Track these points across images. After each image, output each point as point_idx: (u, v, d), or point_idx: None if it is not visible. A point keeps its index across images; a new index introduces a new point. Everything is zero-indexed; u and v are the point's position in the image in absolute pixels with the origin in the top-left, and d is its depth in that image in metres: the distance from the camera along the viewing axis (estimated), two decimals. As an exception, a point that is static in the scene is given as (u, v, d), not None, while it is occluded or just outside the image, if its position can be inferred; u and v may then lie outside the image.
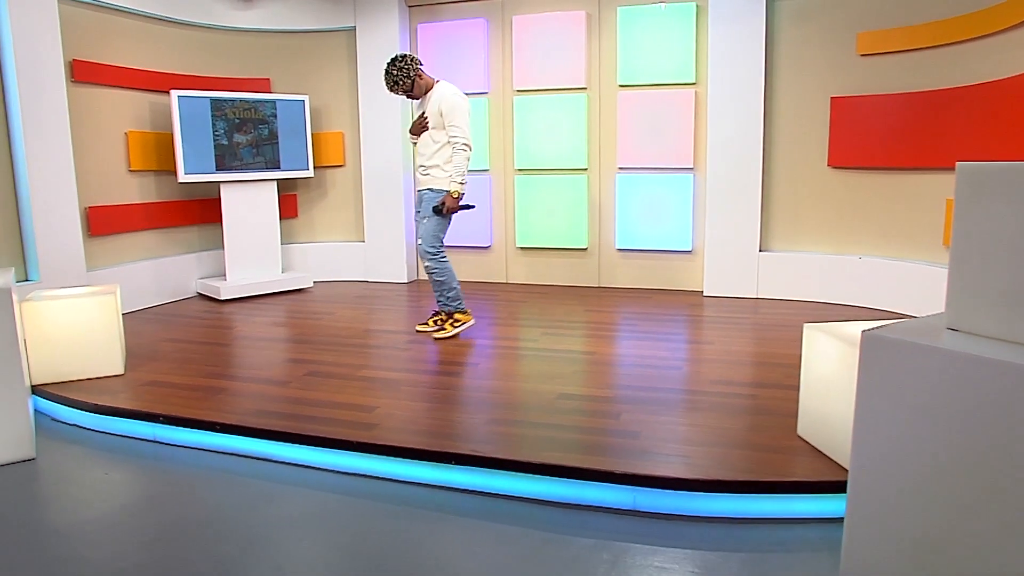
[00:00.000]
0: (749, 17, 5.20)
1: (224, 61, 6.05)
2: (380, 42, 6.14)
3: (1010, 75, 4.00)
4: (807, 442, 2.74)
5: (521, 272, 6.27)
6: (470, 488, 2.63)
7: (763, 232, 5.49)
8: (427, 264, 4.24)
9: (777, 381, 3.47)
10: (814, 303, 5.27)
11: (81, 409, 3.28)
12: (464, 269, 6.34)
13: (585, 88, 5.86)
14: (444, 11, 6.14)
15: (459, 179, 4.09)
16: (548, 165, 6.04)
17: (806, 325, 2.76)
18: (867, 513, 1.87)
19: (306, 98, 6.10)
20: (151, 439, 3.11)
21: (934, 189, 4.64)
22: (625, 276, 6.01)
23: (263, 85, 6.24)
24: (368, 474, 2.74)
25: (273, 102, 5.92)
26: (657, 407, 3.14)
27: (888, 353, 1.88)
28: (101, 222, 5.17)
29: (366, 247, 6.47)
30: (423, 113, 4.24)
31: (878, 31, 4.82)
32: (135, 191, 5.50)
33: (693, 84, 5.60)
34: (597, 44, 5.79)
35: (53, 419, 3.38)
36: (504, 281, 6.34)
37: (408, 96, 4.25)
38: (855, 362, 2.43)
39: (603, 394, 3.33)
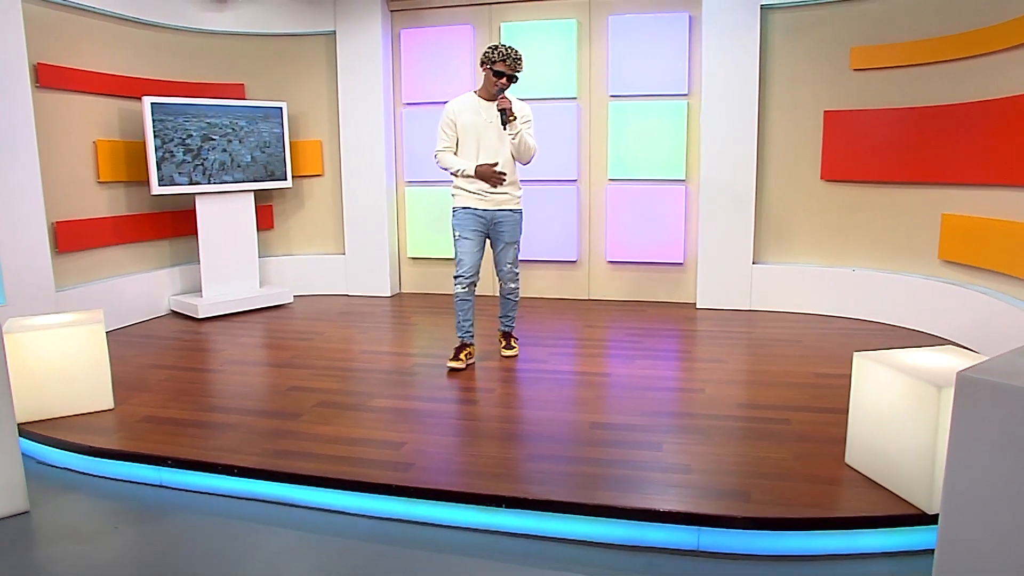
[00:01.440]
0: (743, 29, 5.18)
1: (196, 65, 5.71)
2: (361, 47, 5.90)
3: (1006, 95, 4.04)
4: (857, 471, 2.67)
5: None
6: (522, 532, 2.47)
7: (756, 244, 5.47)
8: (513, 286, 4.07)
9: (804, 403, 3.41)
10: (808, 315, 5.27)
11: (75, 451, 2.98)
12: (448, 283, 6.14)
13: (575, 98, 5.74)
14: (428, 16, 5.94)
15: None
16: (538, 175, 5.89)
17: (856, 354, 2.69)
18: (960, 554, 1.79)
19: (284, 105, 5.81)
20: (156, 483, 2.84)
21: (929, 203, 4.69)
22: (615, 289, 5.92)
23: (237, 91, 5.92)
24: (408, 519, 2.55)
25: (250, 109, 5.61)
26: (696, 436, 3.03)
27: (985, 395, 1.80)
28: (70, 238, 4.79)
29: (347, 260, 6.22)
30: (502, 117, 3.71)
31: (872, 46, 4.85)
32: (105, 204, 5.12)
33: (685, 95, 5.54)
34: (588, 53, 5.68)
35: (39, 462, 3.06)
36: (492, 294, 6.17)
37: (498, 85, 3.71)
38: (911, 392, 2.39)
39: (635, 422, 3.21)
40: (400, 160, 6.16)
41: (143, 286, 5.36)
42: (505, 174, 3.84)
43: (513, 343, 4.24)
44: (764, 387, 3.67)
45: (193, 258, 5.79)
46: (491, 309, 5.14)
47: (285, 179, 5.89)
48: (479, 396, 3.58)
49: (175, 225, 5.65)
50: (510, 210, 3.92)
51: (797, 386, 3.67)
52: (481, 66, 3.82)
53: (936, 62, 4.50)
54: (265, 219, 6.08)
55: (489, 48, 3.78)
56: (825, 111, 5.13)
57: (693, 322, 5.20)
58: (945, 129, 4.46)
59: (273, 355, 4.34)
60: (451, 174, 3.93)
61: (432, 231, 6.13)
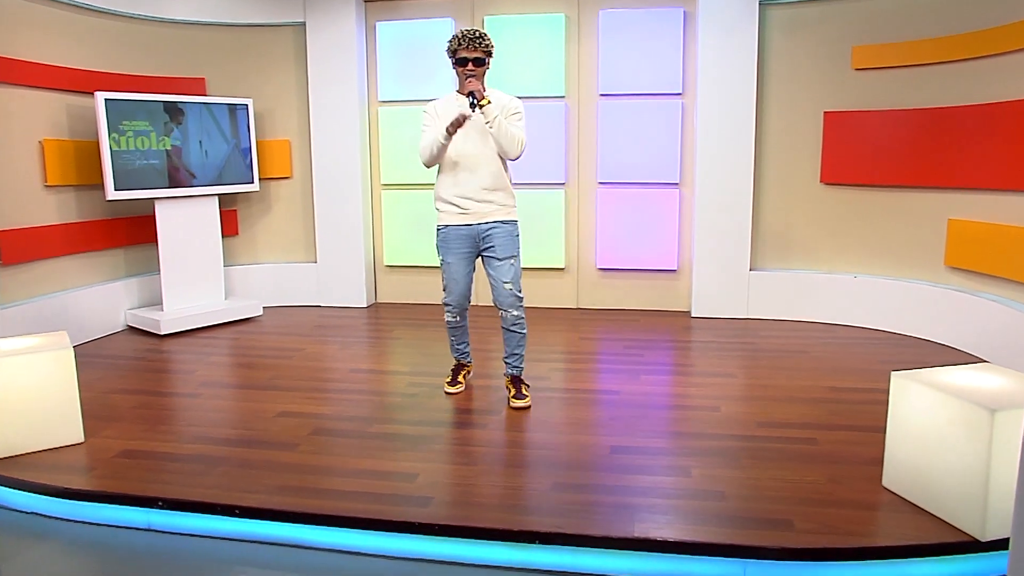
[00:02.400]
0: (741, 26, 5.22)
1: (152, 57, 5.50)
2: (333, 40, 5.77)
3: (1015, 98, 4.16)
4: (897, 494, 2.70)
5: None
6: (558, 569, 2.42)
7: (753, 250, 5.53)
8: (516, 314, 3.57)
9: (825, 420, 3.44)
10: (808, 324, 5.35)
11: (45, 494, 2.82)
12: (426, 292, 6.08)
13: (564, 96, 5.72)
14: (406, 8, 5.85)
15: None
16: (522, 179, 5.84)
17: (894, 374, 2.72)
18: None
19: (250, 102, 5.65)
20: (144, 527, 2.70)
21: (934, 208, 4.80)
22: (606, 297, 5.92)
23: (197, 86, 5.73)
24: (434, 558, 2.48)
25: (214, 106, 5.44)
26: (722, 458, 3.03)
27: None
28: (14, 248, 4.56)
29: (318, 268, 6.08)
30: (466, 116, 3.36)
31: (874, 45, 4.94)
32: (53, 210, 4.90)
33: (680, 94, 5.57)
34: (576, 49, 5.67)
35: (1, 507, 2.89)
36: (474, 303, 6.09)
37: (466, 73, 3.39)
38: (961, 415, 2.42)
39: (656, 444, 3.19)
40: (376, 161, 6.05)
41: (97, 300, 5.14)
42: (476, 93, 3.35)
43: (524, 391, 3.65)
44: (780, 403, 3.69)
45: (151, 268, 5.58)
46: (480, 321, 5.09)
47: (252, 182, 5.73)
48: (485, 420, 3.52)
49: (131, 232, 5.44)
50: (500, 221, 3.52)
51: (814, 402, 3.71)
52: (451, 63, 3.52)
53: (941, 62, 4.61)
54: (229, 225, 5.91)
55: (448, 42, 3.49)
56: (825, 112, 5.21)
57: (691, 332, 5.22)
58: (951, 132, 4.57)
59: (251, 376, 4.20)
60: (430, 156, 3.48)
61: (411, 237, 6.03)
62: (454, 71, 3.52)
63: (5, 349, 3.12)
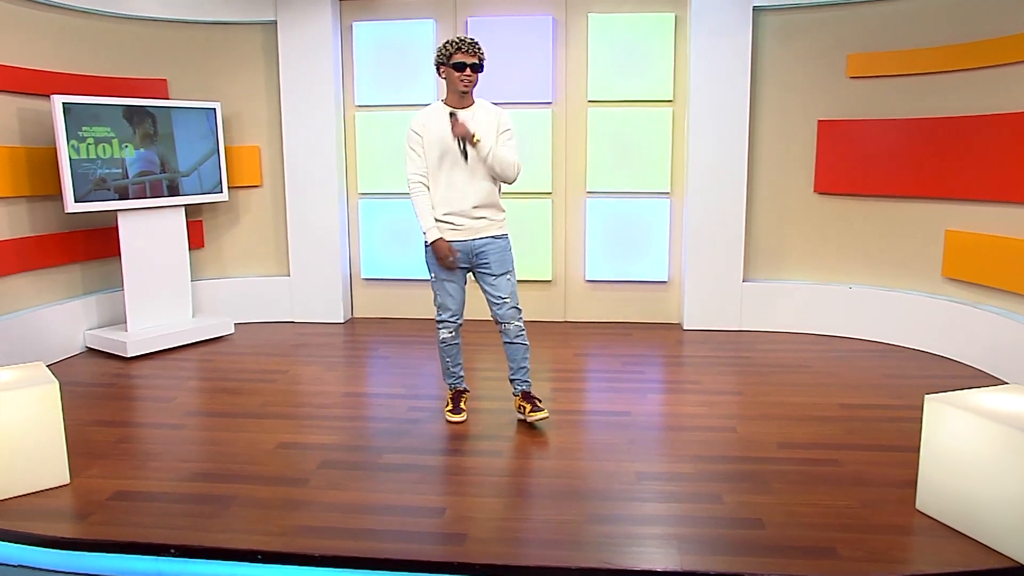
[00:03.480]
0: (734, 31, 5.34)
1: (109, 56, 5.33)
2: (307, 40, 5.69)
3: (1014, 111, 4.36)
4: (933, 518, 2.80)
5: (478, 308, 6.03)
6: (604, 609, 2.45)
7: (746, 260, 5.65)
8: (518, 325, 3.64)
9: (843, 440, 3.55)
10: (803, 336, 5.50)
11: (36, 544, 2.70)
12: (405, 306, 6.05)
13: (551, 103, 5.76)
14: (384, 8, 5.80)
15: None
16: (507, 188, 5.85)
17: (928, 398, 2.83)
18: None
19: (218, 105, 5.53)
20: (152, 576, 2.62)
21: (931, 218, 4.98)
22: (594, 310, 5.97)
23: (158, 88, 5.58)
24: (473, 602, 2.47)
25: (180, 110, 5.31)
26: (751, 483, 3.10)
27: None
28: (-32, 267, 4.38)
29: (292, 282, 5.98)
30: (456, 134, 3.43)
31: (870, 53, 5.11)
32: (3, 224, 4.71)
33: (670, 102, 5.67)
34: (564, 54, 5.71)
35: (-14, 558, 2.77)
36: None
37: (463, 80, 3.42)
38: (1003, 439, 2.53)
39: (679, 469, 3.25)
40: (352, 169, 5.98)
41: (53, 320, 4.96)
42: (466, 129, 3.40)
43: (539, 403, 3.70)
44: (795, 423, 3.79)
45: (110, 284, 5.42)
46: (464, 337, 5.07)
47: (220, 191, 5.61)
48: (498, 446, 3.52)
49: (88, 247, 5.27)
50: (493, 237, 3.60)
51: (828, 420, 3.82)
52: (438, 70, 3.50)
53: (939, 72, 4.79)
54: (194, 237, 5.76)
55: (439, 47, 3.48)
56: (819, 120, 5.37)
57: (686, 346, 5.32)
58: (948, 143, 4.76)
59: (238, 403, 4.11)
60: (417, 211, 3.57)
61: (389, 249, 5.99)
62: (446, 76, 3.49)
63: (-18, 383, 2.99)
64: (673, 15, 5.54)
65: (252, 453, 3.40)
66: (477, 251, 3.60)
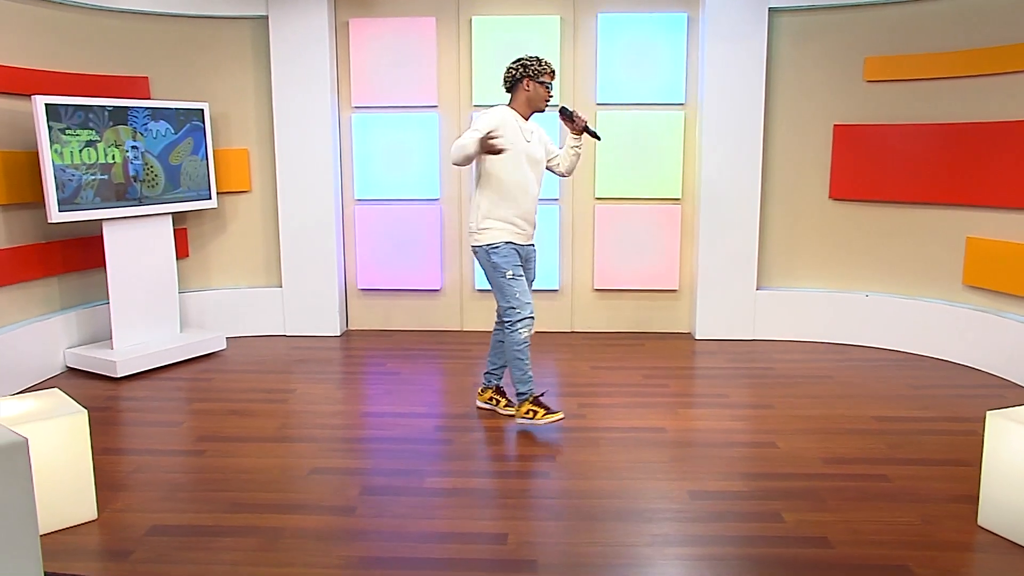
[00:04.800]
0: (749, 33, 5.50)
1: (85, 53, 5.23)
2: (300, 37, 5.69)
3: (1035, 116, 4.60)
4: (997, 534, 2.96)
5: (479, 318, 6.12)
6: (686, 635, 2.54)
7: (760, 268, 5.82)
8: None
9: (887, 454, 3.71)
10: (819, 344, 5.69)
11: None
12: (403, 318, 6.09)
13: (557, 105, 5.84)
14: (383, 4, 5.83)
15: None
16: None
17: (990, 413, 2.99)
18: None
19: (206, 106, 5.50)
20: (208, 614, 2.64)
21: (951, 225, 5.21)
22: (602, 319, 6.09)
23: (139, 86, 5.52)
24: (552, 632, 2.55)
25: (167, 111, 5.27)
26: (807, 501, 3.23)
27: None
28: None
29: (284, 293, 5.97)
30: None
31: (888, 56, 5.32)
32: (-22, 236, 4.63)
33: (682, 105, 5.81)
34: (572, 55, 5.81)
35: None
36: (459, 329, 6.16)
37: (547, 98, 4.04)
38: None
39: (732, 488, 3.36)
40: (348, 174, 6.00)
41: (31, 339, 4.87)
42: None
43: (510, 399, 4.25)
44: (833, 437, 3.95)
45: (89, 298, 5.36)
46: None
47: (209, 198, 5.58)
48: (544, 466, 3.60)
49: (67, 258, 5.19)
50: (534, 246, 4.17)
51: (865, 434, 3.98)
52: (518, 82, 3.97)
53: (958, 77, 5.02)
54: (179, 246, 5.71)
55: (527, 60, 3.96)
56: (835, 125, 5.56)
57: (703, 357, 5.46)
58: (969, 149, 4.98)
59: (253, 426, 4.11)
60: (463, 156, 3.71)
61: (387, 257, 6.02)
62: (529, 88, 3.96)
63: (12, 415, 2.96)
64: (685, 15, 5.69)
65: (286, 480, 3.42)
66: (527, 255, 4.09)
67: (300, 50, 5.70)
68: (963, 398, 4.53)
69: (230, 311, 5.94)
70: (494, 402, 4.28)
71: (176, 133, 5.36)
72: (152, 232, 5.28)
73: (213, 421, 4.18)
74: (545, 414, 3.93)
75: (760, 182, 5.68)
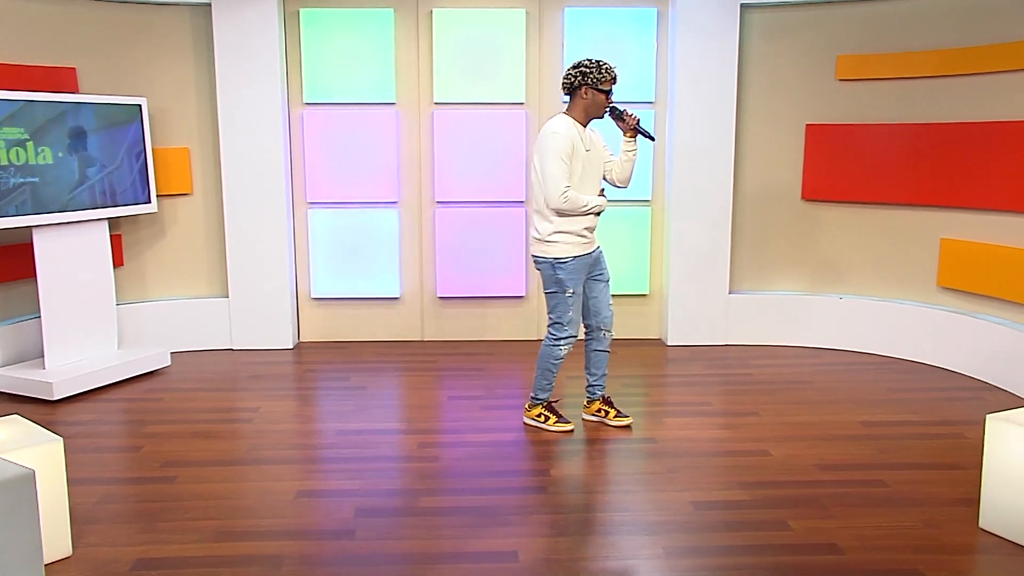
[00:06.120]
0: (720, 30, 5.75)
1: (5, 40, 5.14)
2: (247, 27, 5.68)
3: (1009, 119, 4.97)
4: (999, 535, 3.22)
5: (441, 327, 6.23)
6: (712, 647, 2.72)
7: (731, 271, 6.09)
8: (612, 333, 4.45)
9: (879, 460, 3.98)
10: (793, 348, 5.99)
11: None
12: (360, 329, 6.17)
13: (523, 103, 6.01)
14: (335, -7, 5.89)
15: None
16: (482, 196, 6.08)
17: (990, 417, 3.25)
18: None
19: (144, 101, 5.46)
20: (212, 647, 2.69)
21: (924, 226, 5.56)
22: (572, 326, 6.25)
23: (66, 78, 5.44)
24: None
25: (101, 106, 5.20)
26: (811, 508, 3.45)
27: None
28: None
29: (231, 304, 5.95)
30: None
31: (860, 55, 5.65)
32: None
33: (652, 103, 6.04)
34: (538, 50, 5.97)
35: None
36: (420, 339, 6.24)
37: (607, 105, 4.15)
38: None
39: (733, 497, 3.57)
40: (300, 174, 6.02)
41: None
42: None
43: (606, 411, 4.50)
44: (824, 443, 4.21)
45: (16, 313, 5.26)
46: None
47: (148, 201, 5.54)
48: (538, 481, 3.74)
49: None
50: (599, 247, 4.34)
51: (855, 439, 4.25)
52: (576, 89, 4.10)
53: (932, 77, 5.37)
54: (113, 254, 5.62)
55: (588, 67, 4.07)
56: (807, 124, 5.87)
57: (678, 364, 5.69)
58: (942, 149, 5.34)
59: (222, 448, 4.12)
60: (575, 211, 4.08)
61: (342, 264, 6.06)
62: (587, 96, 4.08)
63: (-21, 442, 2.94)
64: (655, 10, 5.92)
65: (273, 505, 3.47)
66: (595, 261, 4.28)
67: (246, 41, 5.70)
68: (944, 401, 4.86)
69: (170, 324, 5.89)
70: (602, 413, 4.46)
71: (112, 130, 5.30)
72: (87, 239, 5.21)
73: (175, 445, 4.17)
74: (556, 421, 4.32)
75: (732, 183, 5.94)
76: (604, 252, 4.35)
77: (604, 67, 4.06)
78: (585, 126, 4.17)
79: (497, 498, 3.57)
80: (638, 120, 4.19)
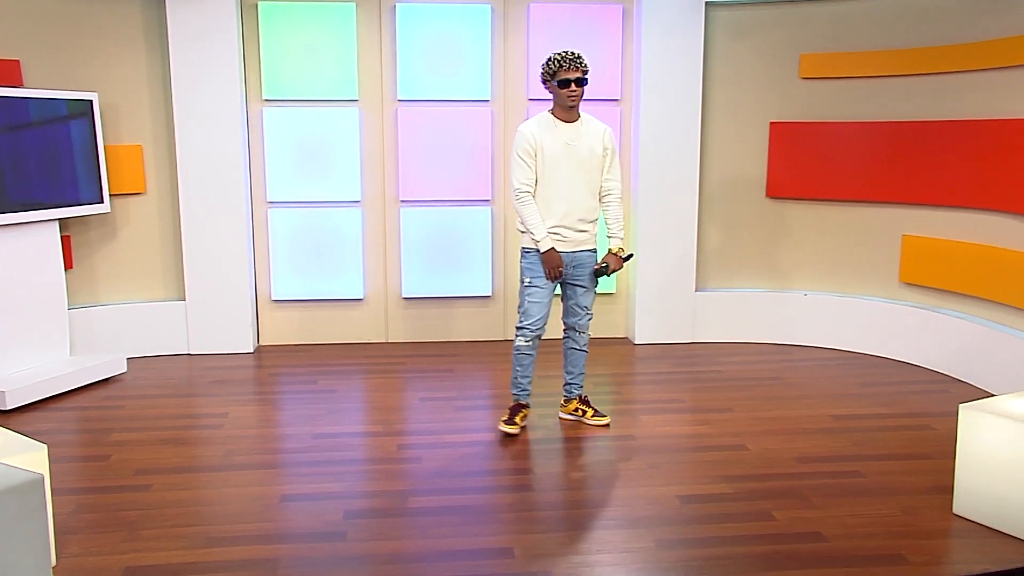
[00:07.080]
0: (686, 27, 5.98)
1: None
2: (203, 20, 5.69)
3: (968, 118, 5.29)
4: (973, 520, 3.47)
5: (406, 328, 6.33)
6: (708, 634, 2.90)
7: (697, 269, 6.32)
8: (588, 333, 4.61)
9: (854, 452, 4.23)
10: (760, 345, 6.25)
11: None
12: (322, 331, 6.26)
13: (488, 101, 6.15)
14: (294, -14, 5.95)
15: (620, 234, 4.49)
16: (448, 195, 6.20)
17: (963, 407, 3.51)
18: None
19: (95, 96, 5.46)
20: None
21: (887, 223, 5.87)
22: (538, 326, 6.42)
23: (9, 71, 5.38)
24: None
25: (49, 102, 5.19)
26: (792, 499, 3.68)
27: None
28: None
29: (188, 307, 5.97)
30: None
31: (823, 54, 5.93)
32: None
33: (618, 100, 6.24)
34: (503, 47, 6.12)
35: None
36: (384, 341, 6.34)
37: (572, 96, 4.15)
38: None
39: (717, 490, 3.77)
40: (260, 173, 6.06)
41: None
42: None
43: (572, 409, 4.68)
44: (799, 436, 4.45)
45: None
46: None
47: (100, 200, 5.53)
48: (523, 480, 3.90)
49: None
50: (588, 250, 4.42)
51: (828, 433, 4.50)
52: (544, 85, 4.25)
53: (892, 75, 5.67)
54: (63, 256, 5.61)
55: (544, 64, 4.20)
56: (771, 122, 6.14)
57: (647, 362, 5.90)
58: (904, 147, 5.64)
59: (195, 455, 4.18)
60: (520, 225, 4.30)
61: (304, 265, 6.13)
62: (552, 92, 4.20)
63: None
64: (621, 7, 6.12)
65: (258, 510, 3.55)
66: (576, 263, 4.36)
67: (202, 35, 5.72)
68: (911, 394, 5.15)
69: (124, 329, 5.88)
70: (580, 413, 4.62)
71: (60, 126, 5.29)
72: (36, 241, 5.19)
73: (146, 452, 4.21)
74: (505, 421, 4.41)
75: (698, 181, 6.17)
76: (594, 260, 4.43)
77: (554, 59, 4.12)
78: (572, 121, 4.26)
79: (485, 497, 3.71)
80: (622, 257, 4.46)
